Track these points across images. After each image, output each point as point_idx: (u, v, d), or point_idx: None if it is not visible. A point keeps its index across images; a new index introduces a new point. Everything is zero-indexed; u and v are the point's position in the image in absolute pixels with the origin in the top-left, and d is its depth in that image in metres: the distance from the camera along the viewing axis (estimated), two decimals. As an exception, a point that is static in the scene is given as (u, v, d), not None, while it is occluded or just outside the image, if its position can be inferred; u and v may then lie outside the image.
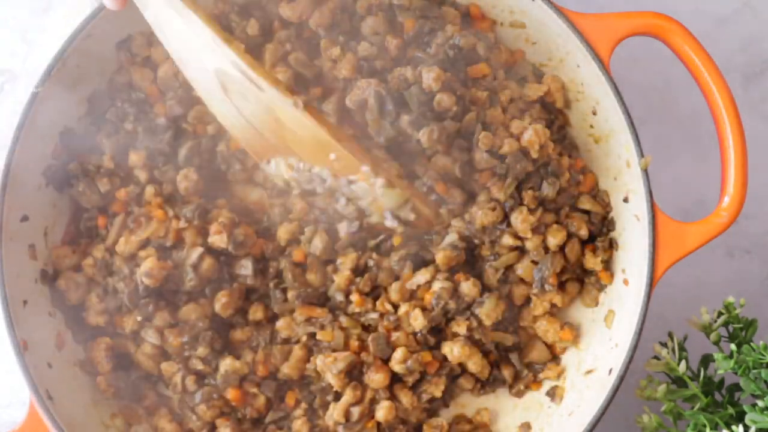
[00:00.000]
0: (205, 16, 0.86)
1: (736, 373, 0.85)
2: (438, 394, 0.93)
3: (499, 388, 0.96)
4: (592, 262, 0.94)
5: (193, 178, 0.94)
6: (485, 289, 0.93)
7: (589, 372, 0.93)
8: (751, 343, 0.86)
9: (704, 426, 0.86)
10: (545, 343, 0.96)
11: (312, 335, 0.93)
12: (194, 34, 0.86)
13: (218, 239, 0.92)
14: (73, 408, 0.89)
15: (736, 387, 0.89)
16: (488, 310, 0.92)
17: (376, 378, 0.92)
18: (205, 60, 0.87)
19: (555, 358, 0.96)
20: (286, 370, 0.93)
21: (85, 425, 0.89)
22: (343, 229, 0.93)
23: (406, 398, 0.92)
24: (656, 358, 0.90)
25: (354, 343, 0.93)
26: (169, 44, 0.87)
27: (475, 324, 0.92)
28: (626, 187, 0.92)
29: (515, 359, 0.96)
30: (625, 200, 0.93)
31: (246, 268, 0.93)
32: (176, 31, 0.86)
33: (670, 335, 0.90)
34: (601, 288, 0.95)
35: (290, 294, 0.93)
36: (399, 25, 0.96)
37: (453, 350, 0.92)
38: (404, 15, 0.95)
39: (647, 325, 0.87)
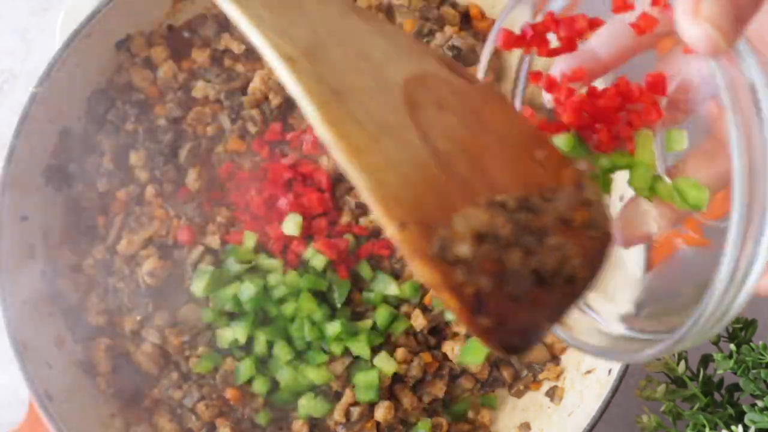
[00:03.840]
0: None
1: (735, 373, 0.85)
2: (441, 394, 0.93)
3: (498, 389, 0.96)
4: (592, 262, 0.94)
5: (206, 177, 0.94)
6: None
7: (588, 372, 0.93)
8: (751, 343, 0.85)
9: (703, 426, 0.86)
10: (544, 344, 0.96)
11: (311, 335, 0.94)
12: (377, 40, 0.57)
13: (212, 240, 0.92)
14: (73, 408, 0.89)
15: (736, 387, 0.89)
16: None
17: None
18: (390, 71, 0.55)
19: (554, 358, 0.96)
20: (286, 370, 0.93)
21: (84, 425, 0.89)
22: None
23: (406, 399, 0.92)
24: (656, 358, 0.90)
25: (354, 343, 0.93)
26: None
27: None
28: (625, 187, 0.92)
29: (514, 359, 0.96)
30: (620, 199, 0.92)
31: (246, 268, 0.94)
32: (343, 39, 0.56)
33: (670, 335, 0.90)
34: (601, 288, 0.95)
35: (289, 294, 0.94)
36: (399, 26, 0.96)
37: (454, 349, 0.92)
38: (404, 16, 0.95)
39: (647, 325, 0.88)
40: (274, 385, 0.92)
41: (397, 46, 0.57)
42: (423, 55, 0.59)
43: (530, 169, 0.57)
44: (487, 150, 0.56)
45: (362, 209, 0.94)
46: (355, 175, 0.50)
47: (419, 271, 0.50)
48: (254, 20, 0.52)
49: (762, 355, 0.83)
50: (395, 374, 0.92)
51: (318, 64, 0.52)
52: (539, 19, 0.59)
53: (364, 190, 0.50)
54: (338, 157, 0.51)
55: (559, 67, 0.60)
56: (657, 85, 0.58)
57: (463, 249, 0.50)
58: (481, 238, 0.51)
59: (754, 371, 0.84)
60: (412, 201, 0.51)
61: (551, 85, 0.59)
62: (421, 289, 0.93)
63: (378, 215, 0.50)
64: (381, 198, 0.50)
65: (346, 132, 0.51)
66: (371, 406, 0.92)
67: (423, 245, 0.50)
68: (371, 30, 0.57)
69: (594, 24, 0.59)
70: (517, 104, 0.64)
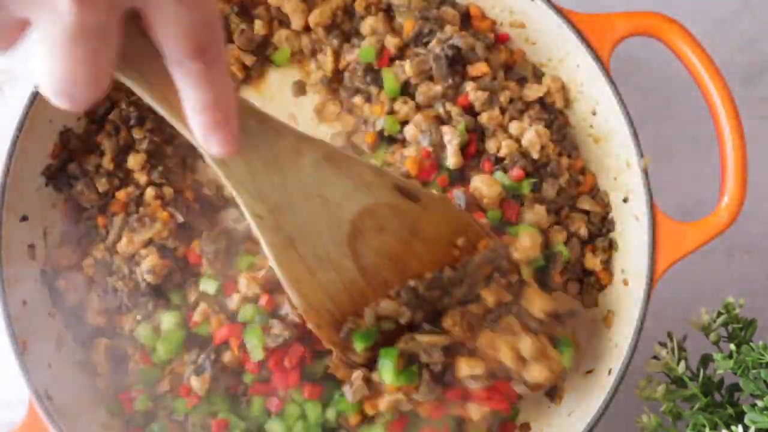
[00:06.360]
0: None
1: (735, 373, 0.85)
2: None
3: (498, 389, 0.96)
4: (592, 262, 0.94)
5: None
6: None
7: (588, 372, 0.93)
8: (751, 343, 0.85)
9: (703, 426, 0.86)
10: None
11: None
12: (339, 181, 0.74)
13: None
14: (73, 408, 0.89)
15: (736, 387, 0.89)
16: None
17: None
18: (344, 210, 0.74)
19: (554, 358, 0.96)
20: (286, 369, 0.93)
21: (84, 425, 0.89)
22: None
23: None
24: (656, 358, 0.90)
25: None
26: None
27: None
28: (626, 188, 0.92)
29: (515, 359, 0.95)
30: (625, 200, 0.93)
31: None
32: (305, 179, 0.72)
33: (670, 335, 0.90)
34: (601, 288, 0.95)
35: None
36: (398, 25, 0.96)
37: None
38: (404, 16, 0.95)
39: (647, 325, 0.88)
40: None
41: (357, 183, 0.75)
42: (381, 187, 0.76)
43: (447, 254, 0.80)
44: (412, 252, 0.78)
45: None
46: (292, 296, 0.75)
47: (327, 345, 0.78)
48: (236, 185, 0.70)
49: (762, 355, 0.83)
50: None
51: (281, 217, 0.72)
52: None
53: (297, 305, 0.76)
54: (282, 282, 0.74)
55: None
56: None
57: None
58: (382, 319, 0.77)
59: (754, 371, 0.84)
60: (331, 311, 0.76)
61: None
62: None
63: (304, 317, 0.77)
64: (305, 310, 0.76)
65: (292, 269, 0.74)
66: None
67: (332, 336, 0.77)
68: (338, 173, 0.73)
69: None
70: None
